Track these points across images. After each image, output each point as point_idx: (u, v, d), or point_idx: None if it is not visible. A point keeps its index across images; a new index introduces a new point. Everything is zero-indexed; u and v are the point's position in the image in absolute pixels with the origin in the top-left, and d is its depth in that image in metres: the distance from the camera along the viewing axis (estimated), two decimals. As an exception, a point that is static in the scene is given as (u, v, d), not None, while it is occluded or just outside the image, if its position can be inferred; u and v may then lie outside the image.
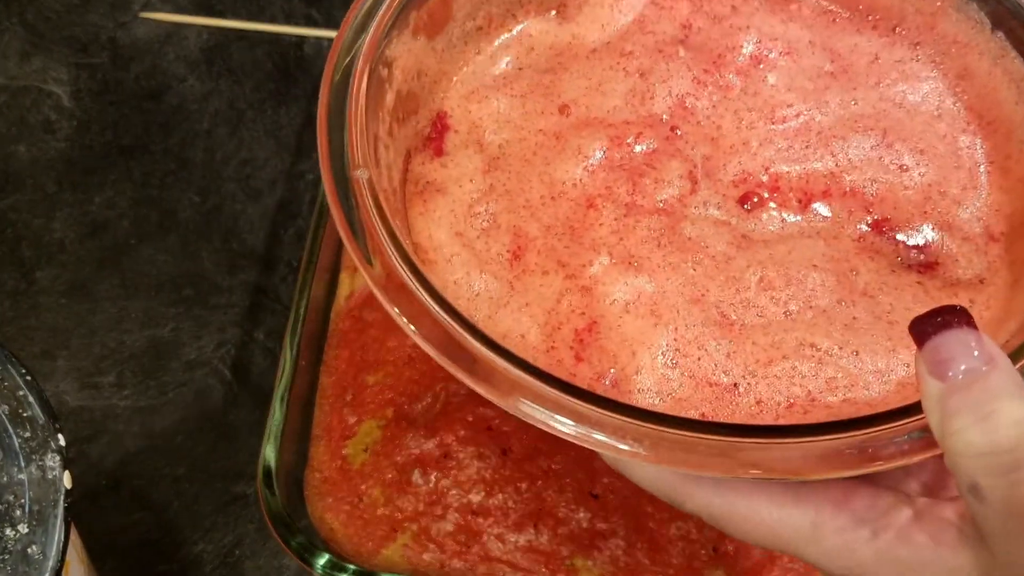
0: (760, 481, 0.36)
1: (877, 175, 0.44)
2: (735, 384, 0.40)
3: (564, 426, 0.35)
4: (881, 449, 0.34)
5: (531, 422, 0.35)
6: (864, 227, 0.43)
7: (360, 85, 0.41)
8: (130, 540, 0.62)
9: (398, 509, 0.56)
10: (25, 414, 0.43)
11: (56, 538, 0.41)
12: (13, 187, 0.73)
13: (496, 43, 0.47)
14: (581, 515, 0.56)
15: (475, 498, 0.56)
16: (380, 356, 0.60)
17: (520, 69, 0.47)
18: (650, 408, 0.36)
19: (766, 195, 0.43)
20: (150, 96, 0.77)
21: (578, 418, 0.35)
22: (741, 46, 0.46)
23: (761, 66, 0.46)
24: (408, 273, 0.37)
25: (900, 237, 0.43)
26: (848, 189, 0.43)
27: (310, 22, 0.80)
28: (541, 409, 0.35)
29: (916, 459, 0.34)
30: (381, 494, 0.57)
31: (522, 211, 0.43)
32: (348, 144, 0.40)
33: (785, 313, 0.41)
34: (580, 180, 0.43)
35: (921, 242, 0.43)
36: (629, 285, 0.41)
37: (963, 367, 0.32)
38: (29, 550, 0.41)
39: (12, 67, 0.77)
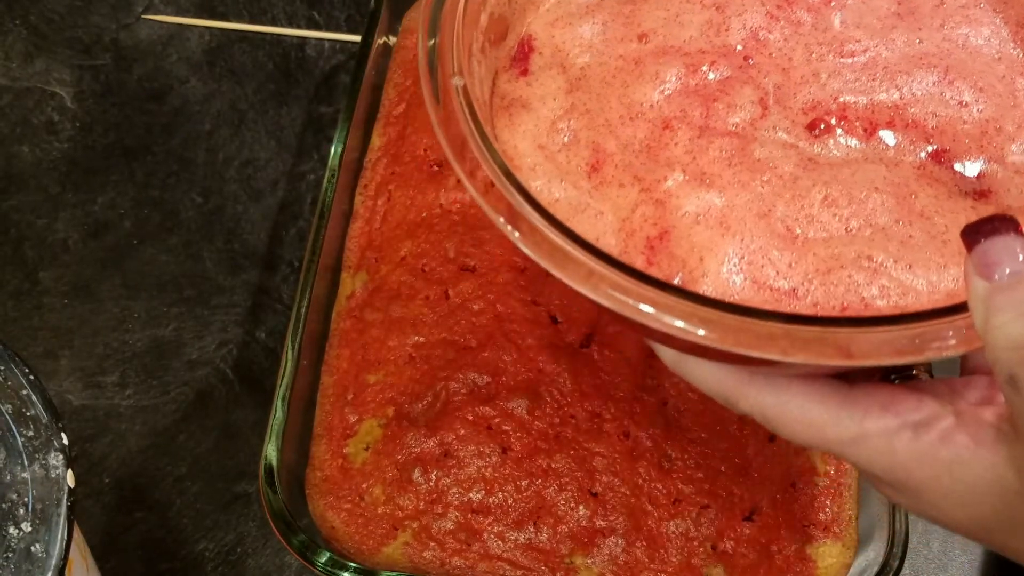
0: (812, 385, 0.40)
1: (938, 109, 0.46)
2: (794, 289, 0.42)
3: (642, 310, 0.38)
4: (930, 341, 0.38)
5: (609, 306, 0.38)
6: (924, 156, 0.45)
7: (459, 1, 0.45)
8: (132, 539, 0.63)
9: (399, 507, 0.57)
10: (28, 413, 0.44)
11: (59, 536, 0.42)
12: (16, 188, 0.73)
13: None
14: (581, 513, 0.56)
15: (475, 496, 0.56)
16: (381, 355, 0.60)
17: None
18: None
19: (833, 122, 0.46)
20: (152, 97, 0.77)
21: (652, 303, 0.38)
22: None
23: (832, 4, 0.48)
24: (499, 173, 0.41)
25: (957, 167, 0.45)
26: (911, 120, 0.46)
27: (312, 24, 0.80)
28: (619, 296, 0.38)
29: (960, 351, 0.37)
30: (382, 492, 0.57)
31: (601, 129, 0.45)
32: (442, 54, 0.43)
33: (846, 229, 0.43)
34: (656, 103, 0.46)
35: (976, 172, 0.45)
36: (700, 199, 0.44)
37: (1008, 270, 0.34)
38: (32, 548, 0.41)
39: (15, 68, 0.78)
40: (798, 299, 0.42)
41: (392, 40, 0.70)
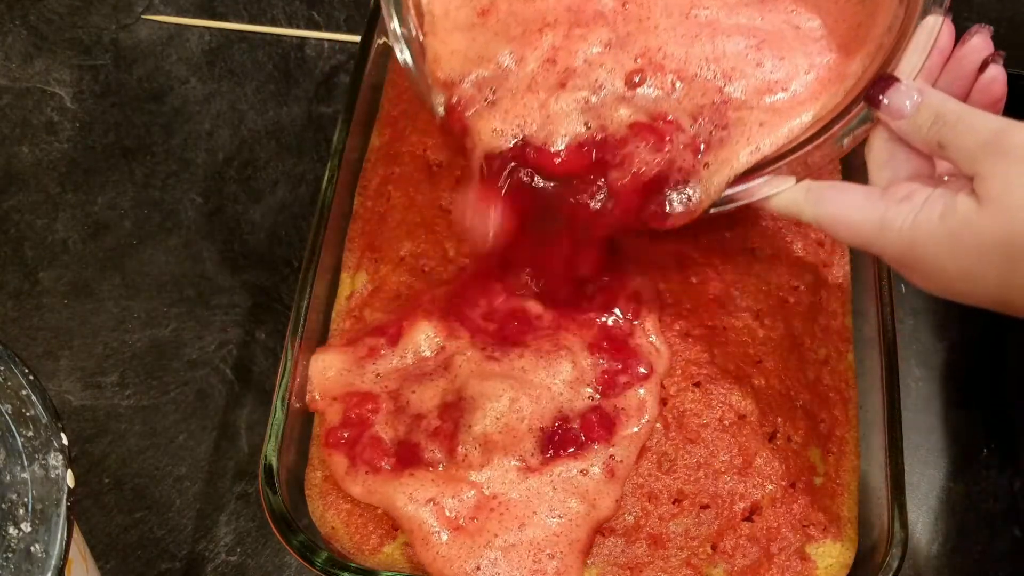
0: (848, 193, 0.50)
1: (738, 64, 0.55)
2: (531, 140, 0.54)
3: None
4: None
5: None
6: (710, 100, 0.55)
7: None
8: (132, 539, 0.63)
9: (399, 508, 0.57)
10: (28, 413, 0.44)
11: (59, 536, 0.42)
12: (16, 188, 0.73)
13: None
14: (580, 513, 0.56)
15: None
16: (381, 356, 0.60)
17: None
18: None
19: (648, 77, 0.56)
20: (152, 97, 0.77)
21: None
22: None
23: None
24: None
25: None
26: (705, 77, 0.55)
27: (311, 24, 0.80)
28: None
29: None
30: (382, 493, 0.57)
31: None
32: None
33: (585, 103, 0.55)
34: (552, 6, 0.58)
35: (735, 116, 0.55)
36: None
37: (909, 103, 0.49)
38: (32, 548, 0.41)
39: (15, 69, 0.78)
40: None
41: (392, 40, 0.70)
